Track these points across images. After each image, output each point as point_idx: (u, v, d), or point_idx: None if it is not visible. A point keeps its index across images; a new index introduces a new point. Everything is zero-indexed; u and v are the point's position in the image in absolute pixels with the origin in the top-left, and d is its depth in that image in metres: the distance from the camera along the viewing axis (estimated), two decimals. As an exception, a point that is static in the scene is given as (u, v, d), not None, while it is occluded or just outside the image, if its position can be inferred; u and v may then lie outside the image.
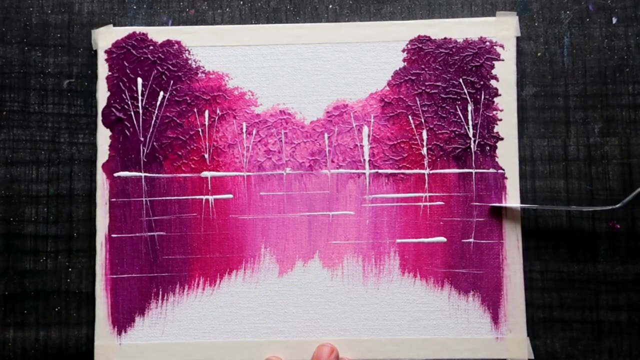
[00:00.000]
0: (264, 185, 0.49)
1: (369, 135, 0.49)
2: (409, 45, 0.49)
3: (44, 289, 0.49)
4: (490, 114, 0.48)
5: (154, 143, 0.49)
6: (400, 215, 0.48)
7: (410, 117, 0.49)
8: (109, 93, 0.49)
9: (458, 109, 0.49)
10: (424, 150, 0.49)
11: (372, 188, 0.48)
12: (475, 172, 0.48)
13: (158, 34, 0.49)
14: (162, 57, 0.49)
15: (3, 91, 0.50)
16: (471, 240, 0.48)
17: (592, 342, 0.48)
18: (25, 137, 0.50)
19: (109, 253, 0.48)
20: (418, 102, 0.49)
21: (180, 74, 0.49)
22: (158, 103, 0.49)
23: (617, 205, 0.46)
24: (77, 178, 0.49)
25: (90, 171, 0.49)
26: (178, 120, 0.49)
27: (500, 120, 0.48)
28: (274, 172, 0.49)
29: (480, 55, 0.49)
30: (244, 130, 0.49)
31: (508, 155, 0.48)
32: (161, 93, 0.49)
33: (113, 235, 0.48)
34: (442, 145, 0.48)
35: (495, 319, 0.47)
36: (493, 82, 0.49)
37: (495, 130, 0.48)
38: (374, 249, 0.48)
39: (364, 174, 0.49)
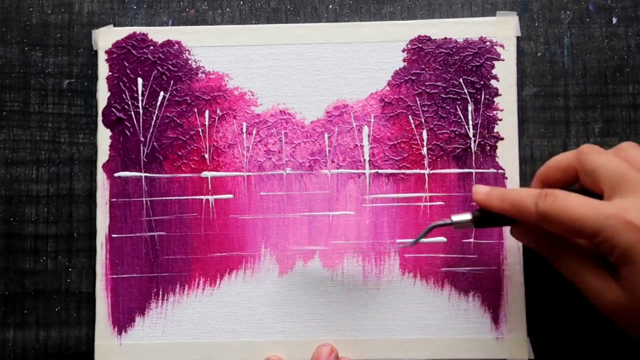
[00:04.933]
0: (264, 185, 0.49)
1: (369, 135, 0.49)
2: (409, 45, 0.49)
3: (44, 289, 0.49)
4: (491, 114, 0.48)
5: (154, 143, 0.49)
6: (401, 215, 0.48)
7: (410, 117, 0.49)
8: (109, 93, 0.49)
9: (458, 109, 0.49)
10: (424, 150, 0.49)
11: (372, 188, 0.48)
12: (476, 172, 0.48)
13: (158, 34, 0.49)
14: (163, 57, 0.49)
15: (3, 91, 0.50)
16: (471, 240, 0.48)
17: (593, 342, 0.48)
18: (25, 137, 0.50)
19: (109, 253, 0.48)
20: (418, 102, 0.49)
21: (180, 74, 0.49)
22: (158, 103, 0.49)
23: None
24: (77, 178, 0.49)
25: (90, 171, 0.49)
26: (178, 121, 0.49)
27: (501, 120, 0.48)
28: (274, 172, 0.49)
29: (481, 55, 0.49)
30: (244, 130, 0.49)
31: (508, 155, 0.48)
32: (161, 93, 0.49)
33: (113, 236, 0.48)
34: (442, 145, 0.48)
35: (495, 319, 0.47)
36: (493, 82, 0.49)
37: (495, 130, 0.48)
38: (374, 249, 0.48)
39: (364, 174, 0.49)
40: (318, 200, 0.49)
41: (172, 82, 0.49)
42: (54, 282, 0.49)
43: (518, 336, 0.47)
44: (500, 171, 0.48)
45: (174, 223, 0.48)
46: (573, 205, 0.37)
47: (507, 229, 0.48)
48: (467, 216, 0.42)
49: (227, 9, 0.51)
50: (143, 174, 0.49)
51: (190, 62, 0.49)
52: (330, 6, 0.50)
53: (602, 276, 0.39)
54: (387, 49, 0.49)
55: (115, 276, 0.48)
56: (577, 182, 0.41)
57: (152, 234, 0.48)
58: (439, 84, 0.49)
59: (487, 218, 0.42)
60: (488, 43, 0.49)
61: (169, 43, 0.49)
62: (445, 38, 0.49)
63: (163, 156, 0.49)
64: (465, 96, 0.49)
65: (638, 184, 0.37)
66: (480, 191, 0.42)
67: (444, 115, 0.49)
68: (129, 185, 0.49)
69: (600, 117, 0.49)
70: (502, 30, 0.49)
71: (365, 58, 0.49)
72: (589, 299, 0.39)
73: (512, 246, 0.48)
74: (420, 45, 0.49)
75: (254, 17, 0.51)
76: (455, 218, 0.43)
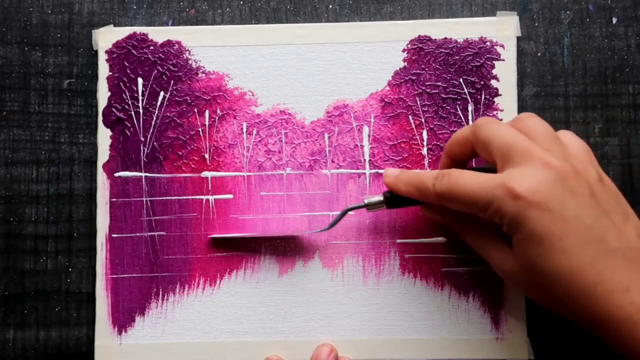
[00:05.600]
0: (264, 185, 0.49)
1: (369, 135, 0.49)
2: (409, 45, 0.49)
3: (44, 289, 0.49)
4: (491, 114, 0.48)
5: (155, 143, 0.49)
6: (401, 215, 0.48)
7: (410, 117, 0.49)
8: (109, 93, 0.49)
9: (458, 109, 0.49)
10: (424, 151, 0.49)
11: (372, 188, 0.48)
12: (476, 172, 0.48)
13: (158, 34, 0.49)
14: (163, 57, 0.49)
15: (3, 91, 0.50)
16: (471, 240, 0.48)
17: (593, 342, 0.48)
18: (25, 137, 0.50)
19: (109, 253, 0.48)
20: (418, 102, 0.49)
21: (180, 74, 0.49)
22: (158, 103, 0.49)
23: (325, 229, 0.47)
24: (77, 178, 0.49)
25: (90, 171, 0.49)
26: (178, 120, 0.49)
27: (501, 120, 0.48)
28: (274, 172, 0.49)
29: (481, 55, 0.49)
30: (244, 130, 0.49)
31: (508, 155, 0.48)
32: (161, 93, 0.49)
33: (113, 235, 0.48)
34: (442, 145, 0.48)
35: (495, 319, 0.47)
36: (493, 82, 0.49)
37: (495, 130, 0.48)
38: (374, 249, 0.48)
39: (364, 174, 0.49)
40: (318, 200, 0.49)
41: (172, 82, 0.49)
42: (54, 282, 0.49)
43: (518, 336, 0.47)
44: (500, 171, 0.48)
45: (174, 223, 0.48)
46: (465, 181, 0.39)
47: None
48: (379, 198, 0.45)
49: (227, 9, 0.51)
50: (143, 174, 0.49)
51: (190, 62, 0.49)
52: (330, 6, 0.50)
53: (499, 247, 0.41)
54: (387, 49, 0.49)
55: (115, 276, 0.48)
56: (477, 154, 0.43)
57: (152, 233, 0.48)
58: (439, 84, 0.49)
59: (398, 199, 0.45)
60: (488, 43, 0.49)
61: (169, 43, 0.49)
62: (445, 38, 0.49)
63: (163, 156, 0.49)
64: (465, 96, 0.49)
65: (526, 153, 0.38)
66: (390, 174, 0.45)
67: (444, 115, 0.49)
68: (129, 185, 0.49)
69: (600, 117, 0.49)
70: (503, 30, 0.49)
71: (365, 58, 0.49)
72: (493, 270, 0.42)
73: (512, 246, 0.48)
74: (421, 45, 0.49)
75: (254, 17, 0.51)
76: (368, 200, 0.45)
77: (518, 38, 0.49)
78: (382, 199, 0.45)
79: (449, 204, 0.40)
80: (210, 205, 0.49)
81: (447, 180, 0.40)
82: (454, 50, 0.49)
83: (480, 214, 0.39)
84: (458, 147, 0.43)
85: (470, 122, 0.48)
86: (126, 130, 0.49)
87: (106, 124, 0.49)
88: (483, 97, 0.48)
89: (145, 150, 0.49)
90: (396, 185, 0.44)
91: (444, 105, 0.49)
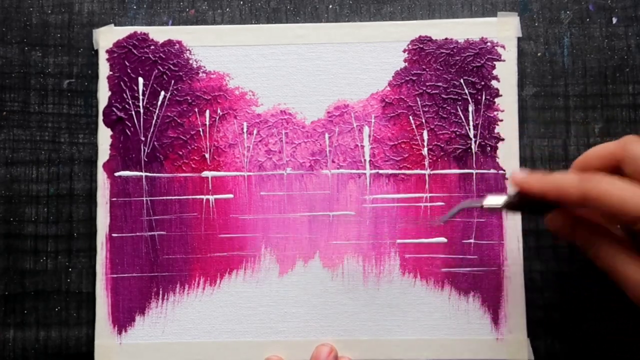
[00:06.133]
0: (264, 185, 0.49)
1: (369, 136, 0.49)
2: (410, 46, 0.49)
3: (44, 289, 0.49)
4: (491, 115, 0.48)
5: (155, 143, 0.49)
6: (401, 215, 0.48)
7: (411, 117, 0.49)
8: (110, 92, 0.49)
9: (459, 110, 0.49)
10: (425, 151, 0.49)
11: (372, 188, 0.49)
12: (476, 173, 0.48)
13: (159, 33, 0.49)
14: (163, 56, 0.49)
15: (3, 91, 0.50)
16: (471, 240, 0.48)
17: (593, 342, 0.48)
18: (25, 137, 0.50)
19: (109, 252, 0.48)
20: (419, 103, 0.49)
21: (181, 73, 0.49)
22: (159, 103, 0.49)
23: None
24: (77, 178, 0.49)
25: (90, 171, 0.49)
26: (179, 120, 0.49)
27: (501, 120, 0.48)
28: (274, 172, 0.49)
29: (482, 56, 0.49)
30: (245, 130, 0.49)
31: (509, 156, 0.48)
32: (162, 93, 0.49)
33: (114, 235, 0.48)
34: (442, 145, 0.48)
35: (495, 319, 0.47)
36: (494, 83, 0.49)
37: (496, 130, 0.48)
38: (374, 249, 0.48)
39: (365, 174, 0.49)
40: (318, 200, 0.49)
41: (172, 81, 0.49)
42: (54, 282, 0.49)
43: (518, 337, 0.47)
44: (500, 172, 0.48)
45: (174, 223, 0.48)
46: (618, 188, 0.37)
47: (506, 230, 0.48)
48: (500, 199, 0.42)
49: (227, 9, 0.51)
50: (144, 174, 0.49)
51: (191, 61, 0.49)
52: (330, 6, 0.50)
53: (637, 264, 0.39)
54: (388, 49, 0.49)
55: (115, 275, 0.48)
56: (617, 172, 0.41)
57: (153, 233, 0.48)
58: (439, 84, 0.49)
59: (521, 203, 0.41)
60: (489, 43, 0.49)
61: (169, 43, 0.49)
62: (446, 38, 0.49)
63: (164, 156, 0.49)
64: (466, 97, 0.49)
65: None
66: (519, 174, 0.41)
67: (445, 115, 0.49)
68: (130, 184, 0.49)
69: (600, 117, 0.49)
70: (503, 30, 0.49)
71: (366, 58, 0.49)
72: (622, 289, 0.39)
73: (512, 247, 0.48)
74: (421, 46, 0.49)
75: (254, 17, 0.51)
76: (487, 201, 0.42)
77: (518, 38, 0.49)
78: (503, 200, 0.42)
79: (594, 207, 0.38)
80: (211, 205, 0.49)
81: (596, 182, 0.38)
82: (455, 50, 0.49)
83: (628, 223, 0.38)
84: (599, 160, 0.42)
85: (471, 123, 0.48)
86: (127, 130, 0.49)
87: (107, 123, 0.49)
88: (484, 97, 0.49)
89: (146, 150, 0.49)
90: (528, 184, 0.41)
91: (445, 105, 0.49)
